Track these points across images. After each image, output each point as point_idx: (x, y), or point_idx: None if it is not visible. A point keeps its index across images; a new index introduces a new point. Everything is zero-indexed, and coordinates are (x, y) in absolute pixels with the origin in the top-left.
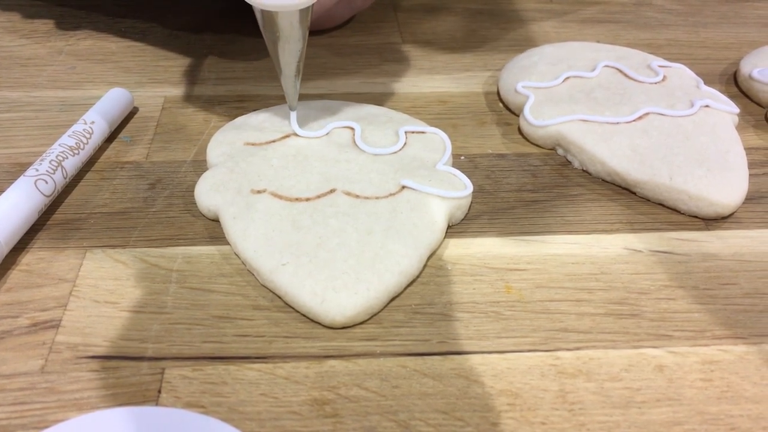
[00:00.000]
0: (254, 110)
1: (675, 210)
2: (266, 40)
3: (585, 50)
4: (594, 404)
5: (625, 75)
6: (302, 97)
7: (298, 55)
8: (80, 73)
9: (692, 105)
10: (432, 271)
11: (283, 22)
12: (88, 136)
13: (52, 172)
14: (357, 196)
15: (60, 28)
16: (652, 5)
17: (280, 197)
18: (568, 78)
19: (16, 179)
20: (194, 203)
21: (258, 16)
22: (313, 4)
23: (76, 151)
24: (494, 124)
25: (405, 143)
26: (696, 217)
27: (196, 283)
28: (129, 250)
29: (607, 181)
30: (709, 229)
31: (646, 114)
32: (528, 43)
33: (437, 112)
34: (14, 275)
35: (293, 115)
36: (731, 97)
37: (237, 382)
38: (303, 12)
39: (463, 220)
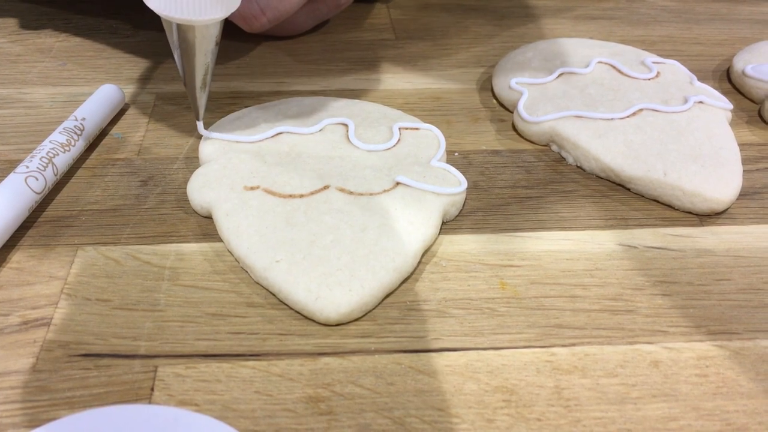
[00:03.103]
0: (247, 107)
1: (669, 206)
2: (173, 50)
3: (579, 46)
4: (589, 400)
5: (619, 71)
6: (295, 94)
7: (204, 68)
8: (71, 69)
9: (686, 101)
10: (426, 267)
11: (195, 34)
12: (79, 132)
13: (43, 169)
14: (351, 193)
15: (50, 24)
16: (645, 2)
17: (274, 194)
18: (561, 74)
19: (6, 176)
20: (187, 200)
21: (167, 26)
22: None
23: (66, 148)
24: (488, 121)
25: (399, 139)
26: (690, 213)
27: (188, 281)
28: (121, 248)
29: (602, 178)
30: (703, 225)
31: (640, 110)
32: (522, 39)
33: (431, 109)
34: (4, 273)
35: (199, 125)
36: (724, 93)
37: (231, 379)
38: (214, 26)
39: (457, 216)
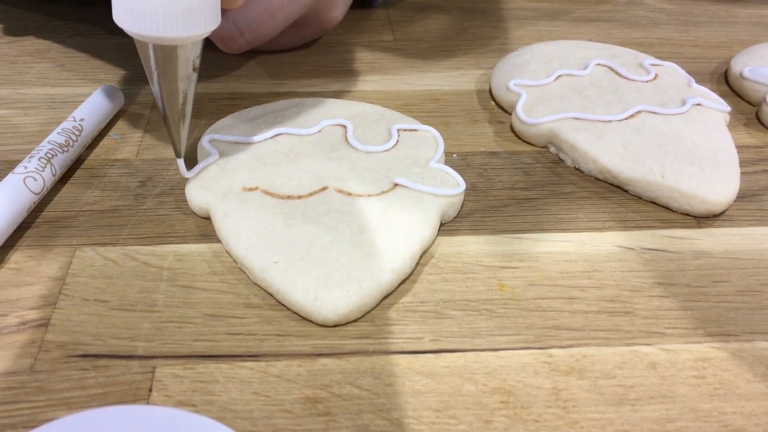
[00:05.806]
0: (245, 108)
1: (667, 208)
2: (150, 80)
3: (577, 49)
4: (587, 402)
5: (617, 73)
6: (295, 95)
7: (182, 97)
8: (69, 70)
9: (684, 103)
10: (424, 269)
11: (171, 56)
12: (77, 133)
13: (42, 169)
14: (349, 194)
15: (48, 26)
16: (643, 4)
17: (272, 195)
18: (560, 76)
19: (4, 177)
20: (185, 201)
21: (141, 50)
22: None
23: (65, 149)
24: (486, 122)
25: (397, 141)
26: (688, 214)
27: (187, 281)
28: (119, 248)
29: (599, 179)
30: (700, 227)
31: (638, 112)
32: (520, 41)
33: (429, 110)
34: (3, 273)
35: (180, 163)
36: (722, 95)
37: (229, 380)
38: (192, 48)
39: (455, 217)
